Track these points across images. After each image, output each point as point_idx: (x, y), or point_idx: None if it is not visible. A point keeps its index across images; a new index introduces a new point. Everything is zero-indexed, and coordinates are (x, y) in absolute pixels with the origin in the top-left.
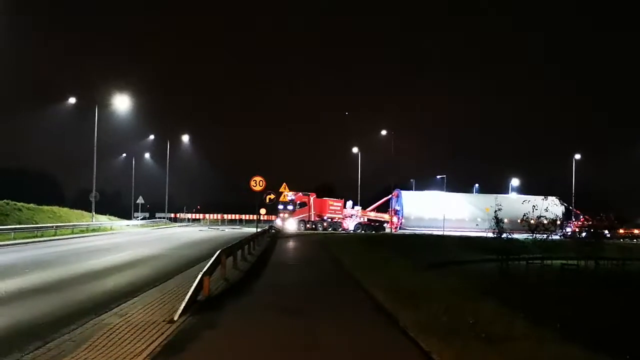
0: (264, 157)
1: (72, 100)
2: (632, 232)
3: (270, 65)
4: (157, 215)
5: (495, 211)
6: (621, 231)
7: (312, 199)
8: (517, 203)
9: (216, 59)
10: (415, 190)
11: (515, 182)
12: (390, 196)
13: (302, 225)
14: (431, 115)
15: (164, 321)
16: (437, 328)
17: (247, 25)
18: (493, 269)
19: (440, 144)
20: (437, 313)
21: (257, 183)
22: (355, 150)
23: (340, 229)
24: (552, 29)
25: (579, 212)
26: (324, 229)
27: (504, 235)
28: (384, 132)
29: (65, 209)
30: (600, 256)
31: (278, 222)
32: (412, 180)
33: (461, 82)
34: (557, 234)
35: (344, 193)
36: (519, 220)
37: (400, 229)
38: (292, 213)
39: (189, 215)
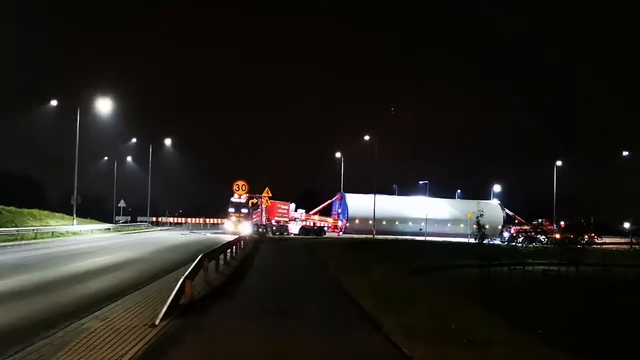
0: (250, 160)
1: (54, 102)
2: (569, 237)
3: (269, 66)
4: (139, 219)
5: (477, 217)
6: (557, 236)
7: (264, 201)
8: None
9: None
10: (398, 195)
11: (497, 188)
12: (334, 199)
13: (254, 229)
14: (423, 117)
15: (145, 325)
16: (420, 333)
17: (244, 25)
18: (475, 274)
19: (435, 147)
20: (420, 318)
21: (240, 187)
22: (338, 155)
23: (285, 233)
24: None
25: (517, 217)
26: (273, 233)
27: (486, 240)
28: (367, 138)
29: (46, 212)
30: (581, 262)
31: (228, 225)
32: (394, 185)
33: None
34: (496, 239)
35: (330, 198)
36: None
37: (344, 232)
38: (247, 216)
39: (171, 219)
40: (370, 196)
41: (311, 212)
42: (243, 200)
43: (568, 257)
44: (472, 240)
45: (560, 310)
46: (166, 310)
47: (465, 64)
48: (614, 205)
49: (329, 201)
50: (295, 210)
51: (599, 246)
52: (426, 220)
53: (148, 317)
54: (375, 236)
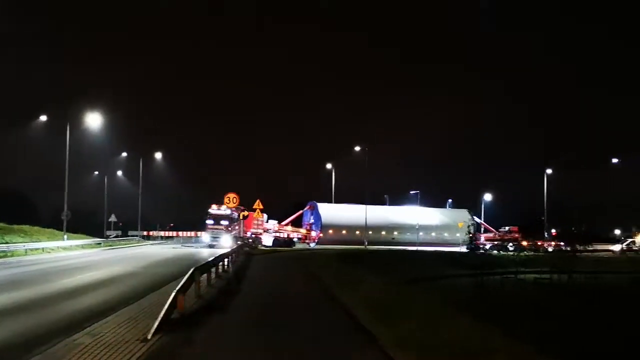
0: (243, 171)
1: (43, 117)
2: (537, 244)
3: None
4: (130, 233)
5: (468, 226)
6: (524, 243)
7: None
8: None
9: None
10: (389, 205)
11: (488, 197)
12: (305, 209)
13: (233, 242)
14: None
15: (137, 340)
16: (415, 344)
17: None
18: (469, 283)
19: (428, 156)
20: (414, 329)
21: (231, 200)
22: (329, 166)
23: (260, 245)
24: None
25: (484, 225)
26: (249, 245)
27: (480, 250)
28: (357, 148)
29: (37, 228)
30: (573, 269)
31: (206, 238)
32: (385, 195)
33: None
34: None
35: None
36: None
37: (317, 243)
38: (227, 228)
39: (162, 233)
40: (344, 206)
41: (283, 223)
42: (222, 211)
43: (559, 265)
44: (463, 249)
45: (552, 318)
46: (158, 325)
47: (465, 72)
48: (600, 212)
49: (300, 211)
50: (267, 221)
51: (590, 253)
52: (417, 229)
53: (140, 332)
54: (368, 246)
